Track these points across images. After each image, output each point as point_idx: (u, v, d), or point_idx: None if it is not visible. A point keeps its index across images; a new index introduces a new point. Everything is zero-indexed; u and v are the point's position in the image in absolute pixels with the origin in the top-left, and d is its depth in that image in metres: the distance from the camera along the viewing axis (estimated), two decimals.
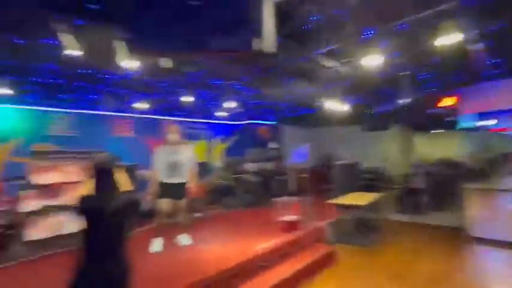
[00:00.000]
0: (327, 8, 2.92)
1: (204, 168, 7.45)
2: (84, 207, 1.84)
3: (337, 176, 8.01)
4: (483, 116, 7.87)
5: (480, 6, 2.99)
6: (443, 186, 7.46)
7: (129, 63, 3.08)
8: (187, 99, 5.59)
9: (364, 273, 4.12)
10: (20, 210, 4.06)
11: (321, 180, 9.36)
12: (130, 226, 2.06)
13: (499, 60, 4.80)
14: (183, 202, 4.10)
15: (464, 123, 7.86)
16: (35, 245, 4.06)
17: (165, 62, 3.44)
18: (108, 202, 1.85)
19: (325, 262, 4.32)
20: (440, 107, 7.31)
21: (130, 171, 4.37)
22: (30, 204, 4.10)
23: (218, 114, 8.11)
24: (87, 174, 2.02)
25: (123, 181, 2.07)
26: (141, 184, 4.47)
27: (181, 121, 8.07)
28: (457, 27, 3.16)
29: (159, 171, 4.02)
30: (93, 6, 2.44)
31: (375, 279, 3.91)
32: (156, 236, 4.05)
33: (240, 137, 9.89)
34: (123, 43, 2.88)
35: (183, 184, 4.08)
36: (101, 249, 1.82)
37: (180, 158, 4.06)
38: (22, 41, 2.99)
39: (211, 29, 2.55)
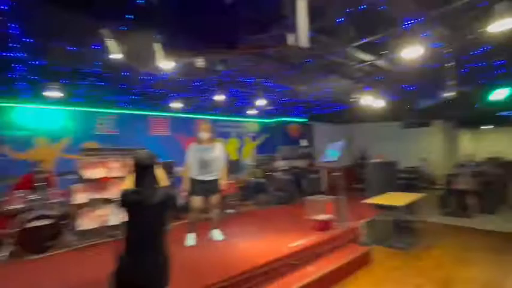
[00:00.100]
0: None
1: (235, 166, 7.58)
2: (126, 201, 1.96)
3: (372, 175, 7.70)
4: None
5: None
6: (493, 187, 6.81)
7: (165, 64, 3.22)
8: (220, 97, 5.70)
9: (402, 277, 3.89)
10: (72, 202, 4.47)
11: (354, 179, 9.06)
12: (168, 220, 2.16)
13: None
14: (214, 198, 4.20)
15: None
16: (84, 234, 4.45)
17: (199, 62, 3.55)
18: (148, 196, 1.95)
19: (359, 264, 4.17)
20: (491, 100, 6.65)
21: (166, 168, 4.60)
22: (80, 197, 4.49)
23: (249, 112, 8.17)
24: (129, 170, 2.15)
25: (161, 177, 2.18)
26: (176, 180, 4.67)
27: (213, 119, 8.27)
28: None
29: (191, 169, 4.16)
30: (131, 17, 2.59)
31: (415, 283, 3.69)
32: (190, 231, 4.20)
33: (271, 135, 9.89)
34: (159, 45, 3.01)
35: (214, 181, 4.18)
36: (141, 240, 1.93)
37: (211, 155, 4.16)
38: (74, 48, 3.28)
39: (245, 27, 2.57)
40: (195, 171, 4.13)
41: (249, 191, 7.44)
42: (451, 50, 4.24)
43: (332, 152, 5.06)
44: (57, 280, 3.25)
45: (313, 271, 3.65)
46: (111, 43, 2.78)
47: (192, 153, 4.17)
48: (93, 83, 4.82)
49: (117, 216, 4.45)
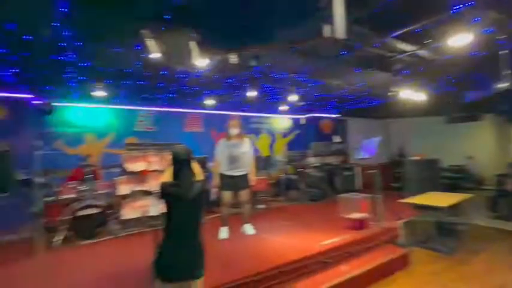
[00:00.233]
0: None
1: (266, 162, 7.61)
2: (165, 193, 2.07)
3: (411, 173, 7.28)
4: None
5: None
6: None
7: (200, 61, 3.32)
8: (251, 93, 5.74)
9: (448, 282, 3.62)
10: (116, 194, 4.82)
11: (391, 177, 8.62)
12: (203, 212, 2.24)
13: None
14: (244, 193, 4.26)
15: None
16: (127, 223, 4.78)
17: (232, 58, 3.60)
18: (186, 189, 2.03)
19: (397, 266, 3.98)
20: None
21: (200, 163, 4.76)
22: (124, 188, 4.82)
23: (281, 108, 8.12)
24: (167, 163, 2.26)
25: (196, 171, 2.26)
26: (209, 175, 4.82)
27: (245, 116, 8.35)
28: None
29: (220, 164, 4.25)
30: (168, 17, 2.68)
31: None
32: (223, 225, 4.31)
33: (302, 131, 9.75)
34: (195, 43, 3.11)
35: (243, 176, 4.24)
36: (179, 230, 2.02)
37: (240, 151, 4.21)
38: (118, 49, 3.51)
39: (280, 21, 2.55)
40: (224, 166, 4.22)
41: (280, 188, 7.43)
42: (505, 36, 3.83)
43: (367, 149, 4.87)
44: (105, 264, 3.54)
45: (346, 270, 3.56)
46: (150, 43, 2.93)
47: (221, 149, 4.27)
48: (134, 82, 5.11)
49: (156, 207, 4.71)
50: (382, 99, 7.69)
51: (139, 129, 6.97)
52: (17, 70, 4.23)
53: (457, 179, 8.39)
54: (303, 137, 9.57)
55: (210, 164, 6.08)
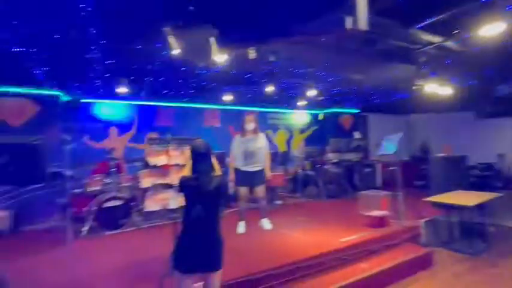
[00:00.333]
0: None
1: (284, 158, 7.57)
2: (184, 186, 2.12)
3: (436, 171, 6.97)
4: None
5: None
6: None
7: (219, 57, 3.34)
8: (269, 89, 5.71)
9: (476, 284, 3.47)
10: (139, 186, 5.00)
11: (414, 175, 8.32)
12: (222, 206, 2.27)
13: None
14: (260, 189, 4.28)
15: None
16: (149, 215, 4.95)
17: (251, 53, 3.60)
18: (205, 182, 2.07)
19: (419, 265, 3.86)
20: None
21: (219, 157, 4.82)
22: (146, 181, 4.99)
23: (299, 103, 8.02)
24: (187, 157, 2.31)
25: (215, 166, 2.30)
26: (227, 170, 4.88)
27: (262, 111, 8.34)
28: None
29: (236, 159, 4.28)
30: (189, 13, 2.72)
31: None
32: (240, 220, 4.36)
33: (321, 127, 9.61)
34: (214, 39, 3.13)
35: (259, 172, 4.25)
36: (198, 223, 2.06)
37: (255, 146, 4.22)
38: (141, 47, 3.60)
39: (300, 13, 2.50)
40: (239, 162, 4.25)
41: (298, 183, 7.38)
42: None
43: (388, 145, 4.72)
44: (127, 254, 3.70)
45: (366, 268, 3.50)
46: (171, 40, 2.99)
47: (237, 145, 4.30)
48: (155, 79, 5.25)
49: (176, 200, 4.83)
50: (405, 94, 7.40)
51: (160, 124, 7.16)
52: (47, 68, 4.47)
53: (486, 177, 7.96)
54: (321, 133, 9.43)
55: (227, 159, 6.16)
